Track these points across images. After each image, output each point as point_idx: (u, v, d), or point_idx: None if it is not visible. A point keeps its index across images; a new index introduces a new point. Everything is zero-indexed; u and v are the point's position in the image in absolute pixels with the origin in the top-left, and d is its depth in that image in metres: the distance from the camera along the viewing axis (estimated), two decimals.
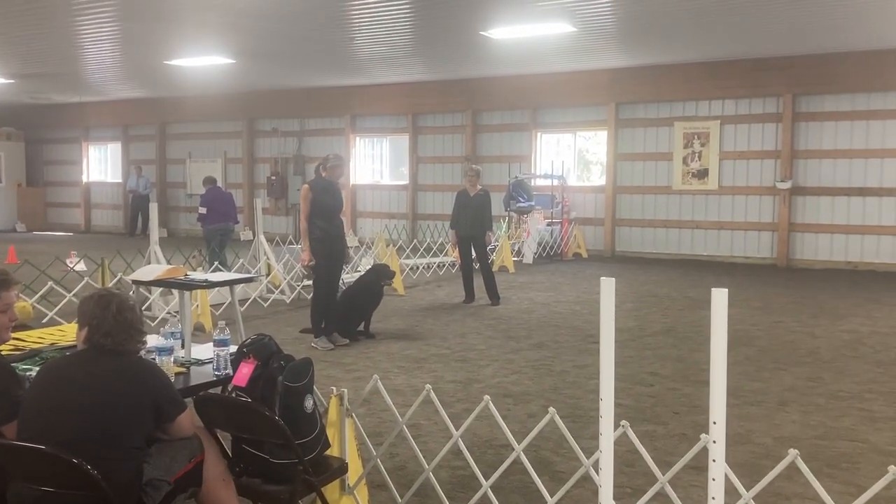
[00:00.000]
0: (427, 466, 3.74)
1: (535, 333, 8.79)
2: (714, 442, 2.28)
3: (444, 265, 14.11)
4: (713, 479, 2.28)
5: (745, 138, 15.85)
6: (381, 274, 8.88)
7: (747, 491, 3.01)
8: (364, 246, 13.94)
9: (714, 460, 2.27)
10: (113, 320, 3.07)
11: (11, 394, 3.09)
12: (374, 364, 7.33)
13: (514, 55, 14.69)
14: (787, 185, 15.25)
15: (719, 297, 2.20)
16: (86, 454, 2.75)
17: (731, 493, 2.88)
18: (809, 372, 7.03)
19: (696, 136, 16.25)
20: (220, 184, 16.41)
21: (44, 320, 8.23)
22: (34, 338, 4.39)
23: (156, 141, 23.81)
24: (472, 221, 10.62)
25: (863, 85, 14.54)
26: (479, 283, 10.79)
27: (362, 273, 9.70)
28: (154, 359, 3.56)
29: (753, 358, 7.54)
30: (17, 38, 13.42)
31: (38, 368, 3.66)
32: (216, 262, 11.42)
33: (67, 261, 12.48)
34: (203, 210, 13.03)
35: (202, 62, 15.64)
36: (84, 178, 25.51)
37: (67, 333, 4.56)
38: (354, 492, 3.80)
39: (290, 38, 13.10)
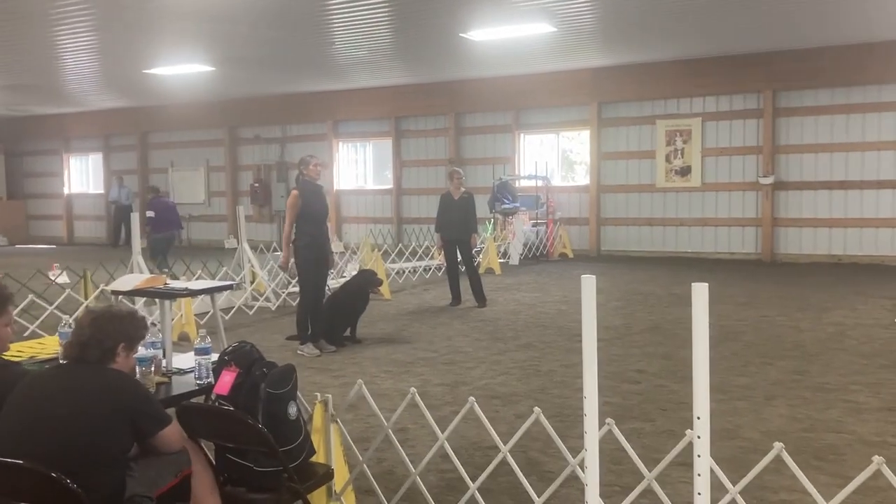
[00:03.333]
0: (414, 470, 3.71)
1: (522, 334, 8.78)
2: (699, 437, 2.27)
3: (430, 269, 14.08)
4: (699, 475, 2.27)
5: (727, 135, 15.94)
6: (368, 281, 8.84)
7: (734, 486, 3.00)
8: (349, 251, 13.89)
9: (699, 455, 2.26)
10: (89, 331, 3.05)
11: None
12: (361, 369, 7.29)
13: (494, 56, 14.70)
14: (770, 180, 15.34)
15: (700, 292, 2.19)
16: (64, 468, 2.70)
17: (718, 489, 2.87)
18: (795, 365, 7.05)
19: (678, 134, 16.32)
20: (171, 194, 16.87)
21: (25, 334, 8.14)
22: (13, 351, 4.32)
23: (137, 151, 23.66)
24: (457, 224, 10.60)
25: (842, 79, 14.65)
26: (465, 285, 10.78)
27: (348, 279, 9.67)
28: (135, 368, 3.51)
29: (740, 353, 7.56)
30: None
31: None
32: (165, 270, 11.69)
33: (50, 273, 12.34)
34: (151, 213, 13.17)
35: (182, 70, 15.56)
36: (65, 190, 25.32)
37: (47, 346, 4.51)
38: (341, 498, 3.77)
39: (269, 43, 13.05)
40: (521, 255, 15.99)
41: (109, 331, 3.12)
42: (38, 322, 8.60)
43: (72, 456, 2.81)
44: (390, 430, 3.74)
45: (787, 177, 15.43)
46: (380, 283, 9.29)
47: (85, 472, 2.79)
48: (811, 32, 13.29)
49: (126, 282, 6.00)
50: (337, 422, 3.77)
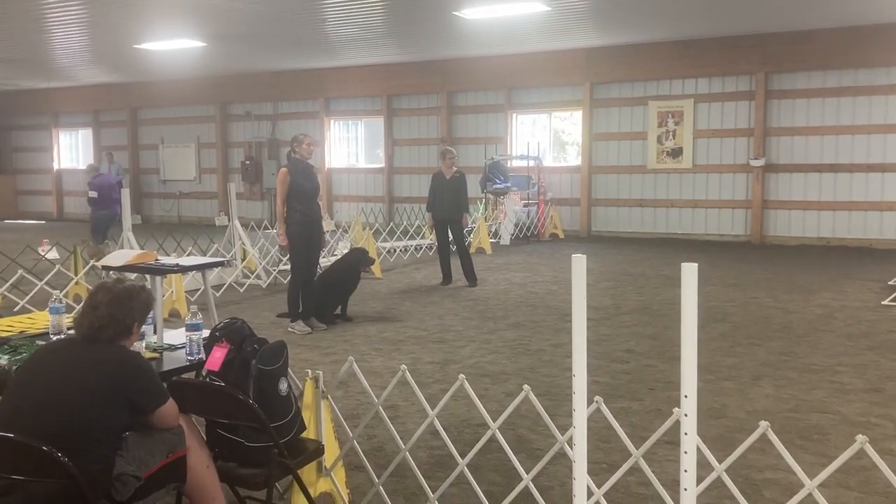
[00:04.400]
0: (404, 446, 3.74)
1: (512, 314, 8.81)
2: (686, 415, 2.30)
3: (420, 248, 14.08)
4: (685, 452, 2.30)
5: (719, 116, 15.95)
6: (359, 260, 8.84)
7: (720, 464, 3.05)
8: (340, 230, 13.88)
9: (686, 433, 2.29)
10: (105, 309, 3.07)
11: None
12: (352, 347, 7.32)
13: (487, 35, 14.63)
14: (761, 162, 15.38)
15: (689, 272, 2.21)
16: (55, 443, 2.71)
17: (705, 467, 2.91)
18: (782, 346, 7.12)
19: (670, 115, 16.31)
20: (111, 171, 17.58)
21: (15, 309, 8.12)
22: (3, 326, 4.33)
23: (127, 126, 23.48)
24: (448, 204, 10.58)
25: (835, 62, 14.65)
26: (456, 264, 10.79)
27: (339, 257, 9.67)
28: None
29: (728, 334, 7.62)
30: None
31: (6, 356, 3.62)
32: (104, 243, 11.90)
33: (39, 249, 12.29)
34: (94, 194, 13.24)
35: (172, 46, 15.42)
36: (55, 166, 25.12)
37: (37, 321, 4.50)
38: (332, 473, 3.80)
39: (260, 19, 12.93)
40: (512, 235, 16.01)
41: (129, 309, 3.12)
42: (27, 297, 8.57)
43: (70, 433, 2.82)
44: (381, 407, 3.77)
45: (778, 159, 15.47)
46: (371, 261, 9.29)
47: (80, 448, 2.80)
48: (805, 14, 13.27)
49: (117, 257, 5.99)
50: (327, 398, 3.79)
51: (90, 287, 3.82)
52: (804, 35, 14.64)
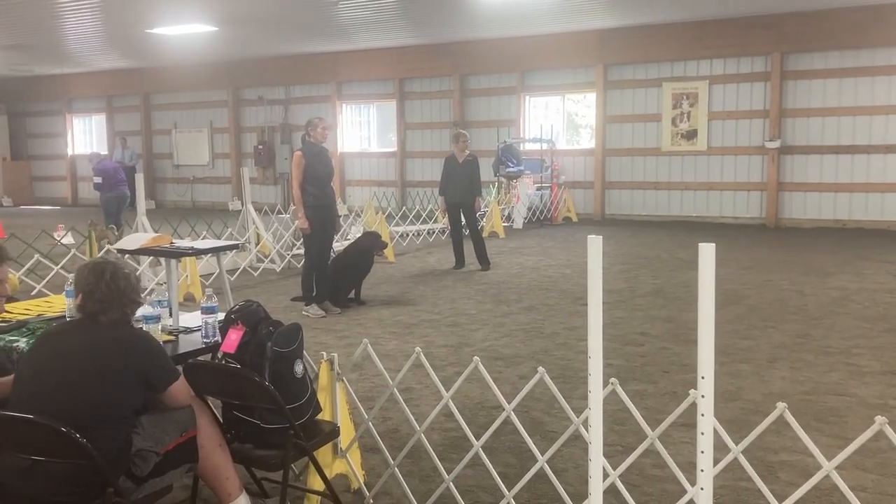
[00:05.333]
0: (419, 428, 3.75)
1: (526, 297, 8.80)
2: (703, 396, 2.28)
3: (433, 232, 14.08)
4: (702, 434, 2.29)
5: (734, 98, 15.80)
6: (373, 243, 8.84)
7: (736, 445, 3.03)
8: (353, 214, 13.88)
9: (703, 415, 2.28)
10: (106, 288, 3.03)
11: None
12: (366, 330, 7.33)
13: (500, 17, 14.53)
14: (776, 144, 15.24)
15: (706, 252, 2.18)
16: (74, 423, 2.73)
17: (720, 449, 2.90)
18: (798, 329, 7.08)
19: (684, 97, 16.18)
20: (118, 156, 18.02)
21: (32, 293, 8.18)
22: (21, 309, 4.36)
23: (140, 111, 23.54)
24: (461, 188, 10.52)
25: (851, 42, 14.47)
26: (469, 248, 10.78)
27: (352, 241, 9.67)
28: (141, 327, 3.53)
29: (743, 316, 7.58)
30: None
31: (24, 339, 3.65)
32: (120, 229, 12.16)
33: (55, 234, 12.38)
34: (98, 179, 13.60)
35: (185, 30, 15.41)
36: (69, 151, 25.24)
37: (54, 304, 4.53)
38: (347, 455, 3.82)
39: (273, 2, 12.90)
40: (525, 218, 15.97)
41: (123, 286, 3.09)
42: (44, 282, 8.64)
43: (84, 412, 2.84)
44: (395, 390, 3.77)
45: (794, 141, 15.33)
46: (384, 245, 9.29)
47: (95, 428, 2.82)
48: None
49: (132, 240, 6.01)
50: (343, 380, 3.80)
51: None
52: (820, 14, 14.44)
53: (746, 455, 3.09)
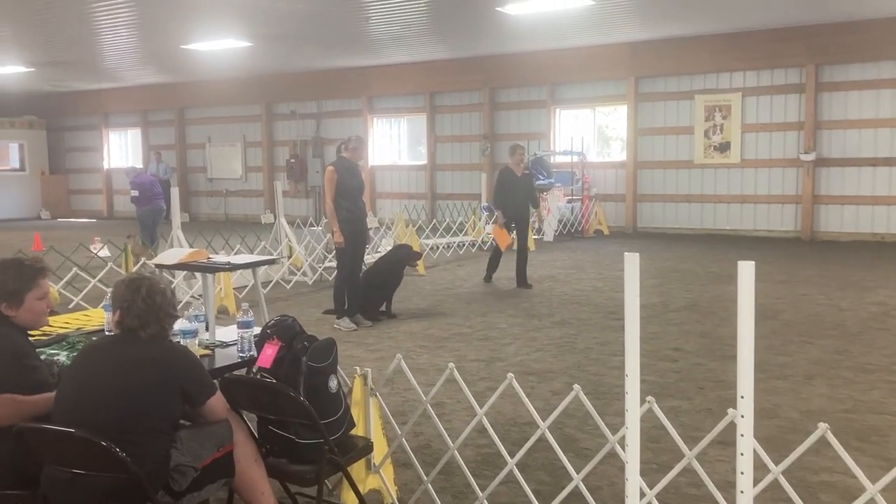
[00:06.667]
0: (452, 445, 3.74)
1: (558, 311, 8.76)
2: (742, 416, 2.25)
3: (463, 245, 14.09)
4: (741, 454, 2.25)
5: (768, 110, 15.64)
6: (407, 255, 8.86)
7: (775, 465, 2.98)
8: (384, 227, 13.94)
9: (742, 435, 2.24)
10: (142, 303, 3.07)
11: (28, 363, 3.16)
12: (397, 344, 7.34)
13: (531, 31, 14.55)
14: (811, 156, 15.04)
15: (746, 270, 2.16)
16: (113, 437, 2.77)
17: (758, 468, 2.85)
18: (836, 345, 6.95)
19: (717, 109, 16.05)
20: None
21: (70, 305, 8.32)
22: (60, 322, 4.43)
23: (175, 126, 23.91)
24: (521, 202, 10.28)
25: (888, 52, 14.26)
26: (509, 264, 10.50)
27: (384, 254, 9.71)
28: (178, 342, 3.57)
29: (779, 332, 7.47)
30: (35, 26, 13.49)
31: (64, 352, 3.71)
32: (155, 242, 12.28)
33: (91, 247, 12.59)
34: (136, 193, 13.73)
35: (219, 46, 15.65)
36: (105, 165, 25.69)
37: (93, 318, 4.60)
38: (380, 470, 3.82)
39: (305, 18, 13.05)
40: (556, 231, 15.92)
41: (159, 302, 3.13)
42: (81, 294, 8.78)
43: (124, 426, 2.87)
44: (428, 405, 3.77)
45: (830, 153, 15.11)
46: (418, 256, 9.29)
47: (135, 442, 2.85)
48: (856, 4, 12.93)
49: (170, 255, 6.10)
50: (376, 395, 3.81)
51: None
52: (856, 25, 14.26)
53: (785, 475, 3.04)
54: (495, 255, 10.65)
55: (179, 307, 4.50)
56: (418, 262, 10.87)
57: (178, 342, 3.52)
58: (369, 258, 10.31)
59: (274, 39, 15.12)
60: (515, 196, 10.24)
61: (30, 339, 3.46)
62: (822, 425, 2.78)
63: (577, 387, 3.33)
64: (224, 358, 3.82)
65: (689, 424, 4.92)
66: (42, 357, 3.52)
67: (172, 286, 9.33)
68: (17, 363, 3.15)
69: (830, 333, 7.41)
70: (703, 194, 16.40)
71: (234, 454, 3.20)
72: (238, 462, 3.21)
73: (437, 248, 13.61)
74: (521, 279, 10.38)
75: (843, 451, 2.75)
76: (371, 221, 13.63)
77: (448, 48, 17.01)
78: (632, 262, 2.32)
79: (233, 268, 6.25)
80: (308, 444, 3.34)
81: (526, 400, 3.56)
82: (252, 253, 10.09)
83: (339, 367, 3.67)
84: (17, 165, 25.84)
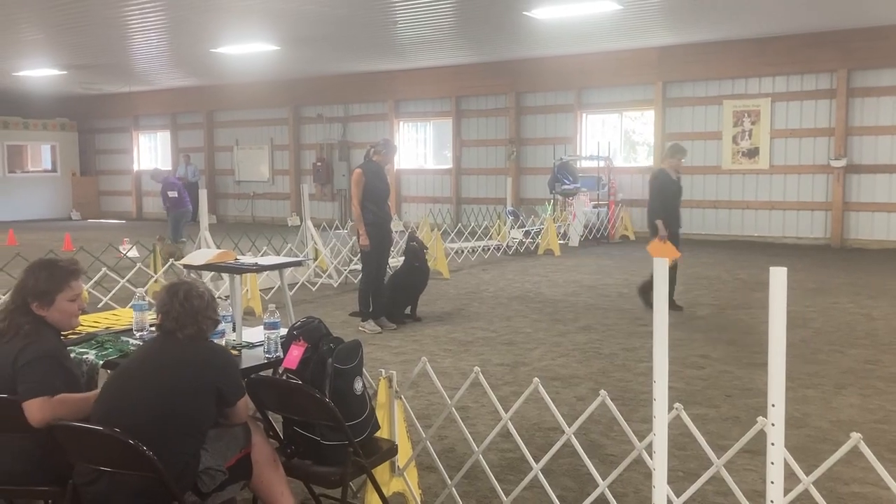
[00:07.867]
0: (476, 449, 3.73)
1: (583, 316, 8.71)
2: (773, 425, 2.22)
3: (488, 249, 14.05)
4: (772, 463, 2.22)
5: (797, 116, 15.45)
6: (417, 250, 8.76)
7: (806, 476, 2.94)
8: (409, 230, 13.95)
9: (773, 444, 2.21)
10: (180, 307, 3.14)
11: (61, 362, 3.20)
12: (421, 347, 7.34)
13: (558, 35, 14.51)
14: (842, 163, 14.83)
15: (778, 276, 2.13)
16: (147, 436, 2.80)
17: (789, 478, 2.81)
18: (867, 354, 6.84)
19: (745, 115, 15.89)
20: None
21: (99, 305, 8.42)
22: (90, 322, 4.49)
23: (203, 128, 24.14)
24: (678, 212, 8.85)
25: None
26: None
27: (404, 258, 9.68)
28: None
29: (809, 340, 7.37)
30: (68, 30, 13.69)
31: (94, 351, 3.75)
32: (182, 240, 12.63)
33: (120, 247, 12.74)
34: (174, 193, 14.01)
35: (248, 49, 15.78)
36: (135, 167, 26.00)
37: (121, 317, 4.66)
38: (404, 473, 3.82)
39: (333, 22, 13.12)
40: (582, 236, 15.84)
41: (197, 305, 3.18)
42: (110, 294, 8.88)
43: (159, 425, 2.91)
44: (453, 409, 3.76)
45: (861, 159, 14.89)
46: (423, 245, 9.04)
47: (169, 442, 2.89)
48: (888, 8, 12.73)
49: (198, 256, 6.15)
50: (401, 398, 3.80)
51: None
52: (888, 30, 14.05)
53: (816, 485, 2.99)
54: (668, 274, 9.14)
55: None
56: (440, 268, 10.88)
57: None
58: (394, 261, 10.32)
59: (302, 43, 15.22)
60: (674, 205, 8.77)
61: (62, 338, 3.51)
62: (855, 435, 2.73)
63: (603, 392, 3.31)
64: (251, 359, 3.84)
65: (716, 432, 4.87)
66: (72, 356, 3.56)
67: None
68: (58, 364, 3.20)
69: (861, 343, 7.29)
70: (731, 200, 16.24)
71: (252, 456, 3.24)
72: (256, 464, 3.24)
73: (462, 252, 13.60)
74: (670, 300, 8.47)
75: (875, 461, 2.70)
76: (396, 225, 13.66)
77: (475, 52, 17.01)
78: (661, 268, 2.30)
79: (259, 269, 6.28)
80: (333, 446, 3.35)
81: (551, 405, 3.54)
82: (278, 255, 10.15)
83: (364, 370, 3.68)
84: (49, 167, 26.25)
